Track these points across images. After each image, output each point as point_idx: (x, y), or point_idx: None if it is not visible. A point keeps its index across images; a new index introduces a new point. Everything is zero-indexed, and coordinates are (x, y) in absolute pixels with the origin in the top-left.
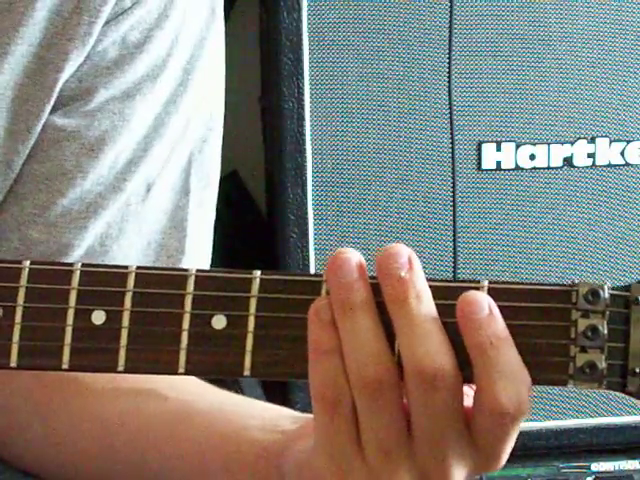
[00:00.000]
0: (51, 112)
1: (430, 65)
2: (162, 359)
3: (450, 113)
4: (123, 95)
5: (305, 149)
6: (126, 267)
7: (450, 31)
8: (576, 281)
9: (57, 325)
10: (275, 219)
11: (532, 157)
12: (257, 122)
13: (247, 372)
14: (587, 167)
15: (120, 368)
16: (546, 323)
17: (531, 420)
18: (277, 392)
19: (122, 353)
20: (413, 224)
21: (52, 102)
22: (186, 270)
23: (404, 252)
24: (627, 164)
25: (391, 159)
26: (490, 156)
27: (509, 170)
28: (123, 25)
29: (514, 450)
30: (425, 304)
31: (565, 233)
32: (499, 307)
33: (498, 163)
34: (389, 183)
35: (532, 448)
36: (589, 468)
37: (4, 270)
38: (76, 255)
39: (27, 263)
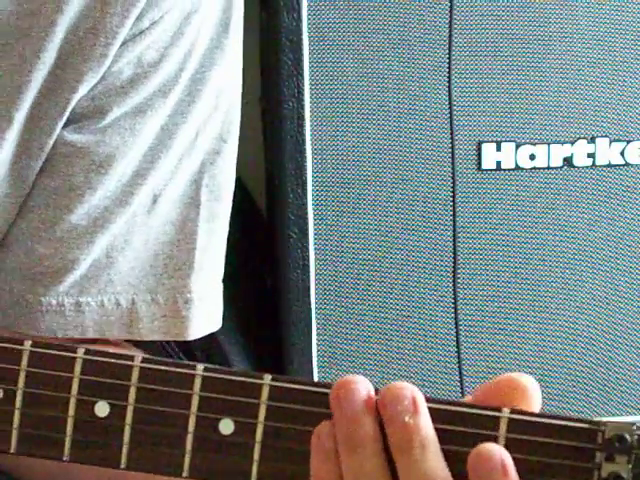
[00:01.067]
0: (62, 127)
1: (430, 65)
2: (165, 461)
3: (450, 113)
4: (135, 111)
5: (305, 149)
6: (131, 358)
7: (450, 31)
8: (604, 419)
9: (58, 415)
10: (275, 219)
11: (532, 157)
12: (257, 122)
13: (123, 466)
14: (587, 167)
15: (122, 465)
16: (567, 462)
17: None
18: None
19: (125, 450)
20: (413, 224)
21: (64, 120)
22: (194, 368)
23: (407, 393)
24: (627, 164)
25: (391, 159)
26: (490, 156)
27: (509, 170)
28: (139, 45)
29: None
30: (430, 452)
31: (565, 233)
32: (517, 440)
33: (498, 163)
34: (389, 183)
35: None
36: None
37: (5, 350)
38: (82, 268)
39: (28, 345)
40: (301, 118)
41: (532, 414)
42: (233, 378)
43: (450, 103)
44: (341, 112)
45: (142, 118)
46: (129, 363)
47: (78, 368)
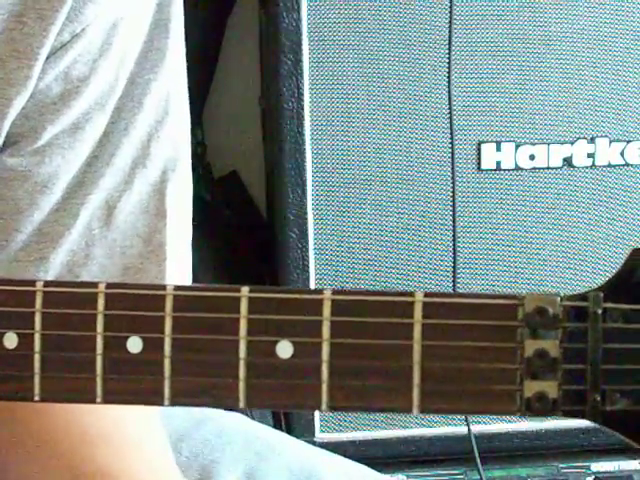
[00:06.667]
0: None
1: (430, 65)
2: (78, 388)
3: (450, 113)
4: (72, 128)
5: (305, 149)
6: (33, 284)
7: (450, 31)
8: (524, 293)
9: None
10: (275, 219)
11: (532, 157)
12: (257, 122)
13: (167, 402)
14: (587, 167)
15: (36, 397)
16: (487, 344)
17: (531, 420)
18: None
19: (37, 380)
20: (413, 224)
21: (1, 141)
22: (96, 286)
23: None
24: (627, 164)
25: (391, 159)
26: (490, 156)
27: (509, 170)
28: (64, 60)
29: (514, 450)
30: None
31: (565, 233)
32: (435, 325)
33: (498, 163)
34: (389, 183)
35: (532, 448)
36: (589, 468)
37: None
38: None
39: None
40: (301, 118)
41: (447, 295)
42: (137, 292)
43: (450, 103)
44: (341, 112)
45: (81, 134)
46: (32, 289)
47: None
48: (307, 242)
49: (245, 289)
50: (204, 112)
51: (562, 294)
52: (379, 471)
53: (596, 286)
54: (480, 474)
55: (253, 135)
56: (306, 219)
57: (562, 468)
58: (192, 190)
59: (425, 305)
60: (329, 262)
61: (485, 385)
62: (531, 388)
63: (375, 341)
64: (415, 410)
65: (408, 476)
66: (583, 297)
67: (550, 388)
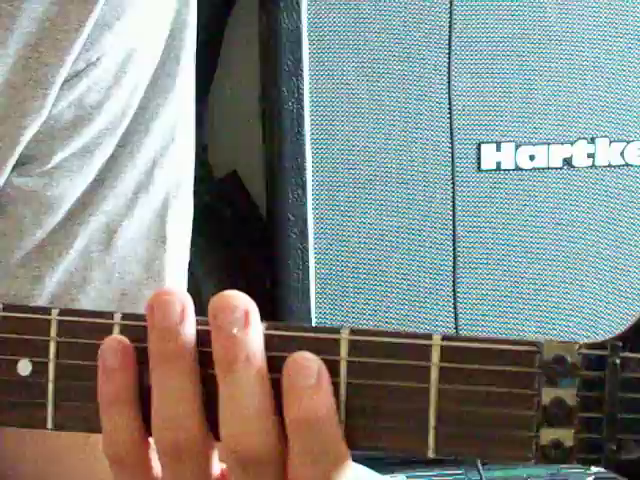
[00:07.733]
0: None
1: (430, 65)
2: (94, 417)
3: (450, 113)
4: (82, 151)
5: (305, 149)
6: (49, 312)
7: (450, 31)
8: (542, 338)
9: None
10: (275, 219)
11: (532, 157)
12: (257, 122)
13: (50, 425)
14: (587, 167)
15: (49, 425)
16: (504, 390)
17: None
18: None
19: (50, 409)
20: (413, 224)
21: (10, 167)
22: (111, 317)
23: (240, 305)
24: (627, 164)
25: (391, 159)
26: (490, 156)
27: (509, 170)
28: (78, 88)
29: None
30: (254, 369)
31: (565, 233)
32: (452, 369)
33: (498, 163)
34: (389, 183)
35: None
36: (589, 468)
37: None
38: (41, 303)
39: None
40: (301, 118)
41: (465, 339)
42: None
43: (450, 103)
44: (341, 112)
45: (90, 158)
46: (47, 317)
47: None
48: (307, 242)
49: (262, 325)
50: (204, 112)
51: (580, 342)
52: (379, 471)
53: (595, 285)
54: (480, 474)
55: (253, 135)
56: (306, 219)
57: (562, 468)
58: (192, 192)
59: (443, 349)
60: (329, 262)
61: (501, 431)
62: (547, 436)
63: (391, 382)
64: (430, 452)
65: (408, 476)
66: (601, 345)
67: (566, 436)
